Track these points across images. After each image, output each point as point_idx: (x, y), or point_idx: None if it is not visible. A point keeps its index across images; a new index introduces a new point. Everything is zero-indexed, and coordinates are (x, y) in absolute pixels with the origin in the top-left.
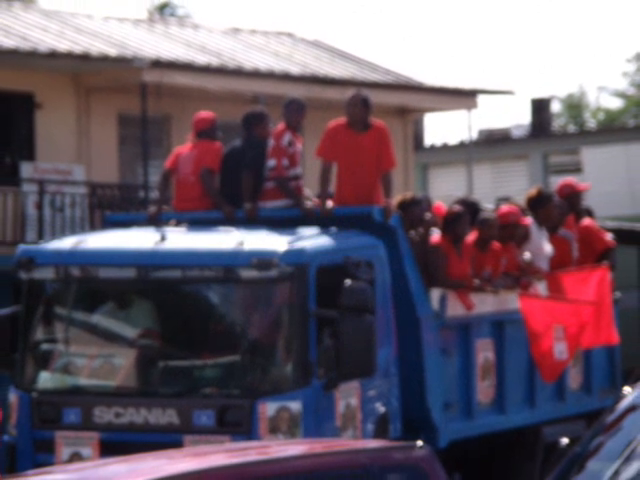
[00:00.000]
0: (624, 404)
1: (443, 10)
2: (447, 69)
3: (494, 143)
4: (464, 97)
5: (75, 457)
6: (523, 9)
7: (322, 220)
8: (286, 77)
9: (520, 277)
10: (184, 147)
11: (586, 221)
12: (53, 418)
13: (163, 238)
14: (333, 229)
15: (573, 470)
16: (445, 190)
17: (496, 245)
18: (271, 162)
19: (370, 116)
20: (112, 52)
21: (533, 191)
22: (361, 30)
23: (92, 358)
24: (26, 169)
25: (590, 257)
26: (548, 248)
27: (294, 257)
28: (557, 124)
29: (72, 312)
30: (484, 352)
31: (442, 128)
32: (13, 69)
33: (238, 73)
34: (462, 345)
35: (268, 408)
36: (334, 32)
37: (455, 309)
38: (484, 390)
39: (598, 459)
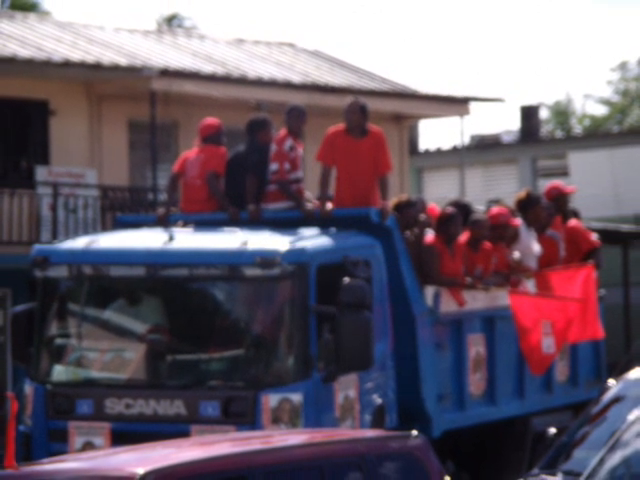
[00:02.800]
0: (609, 395)
1: (437, 22)
2: (440, 78)
3: (485, 148)
4: (457, 104)
5: (87, 446)
6: (512, 22)
7: (322, 221)
8: (288, 85)
9: (510, 275)
10: (191, 152)
11: (572, 222)
12: (66, 409)
13: (171, 238)
14: (332, 230)
15: (560, 458)
16: (439, 193)
17: (487, 245)
18: (273, 166)
19: (367, 122)
20: (123, 62)
21: (522, 193)
22: (359, 41)
23: (104, 352)
24: (41, 173)
25: (576, 256)
26: (536, 248)
27: (295, 256)
28: (545, 130)
29: (85, 308)
30: (476, 346)
31: (436, 134)
32: (29, 78)
33: (242, 81)
34: (455, 340)
35: (271, 399)
36: (334, 43)
37: (448, 306)
38: (476, 382)
39: (584, 448)
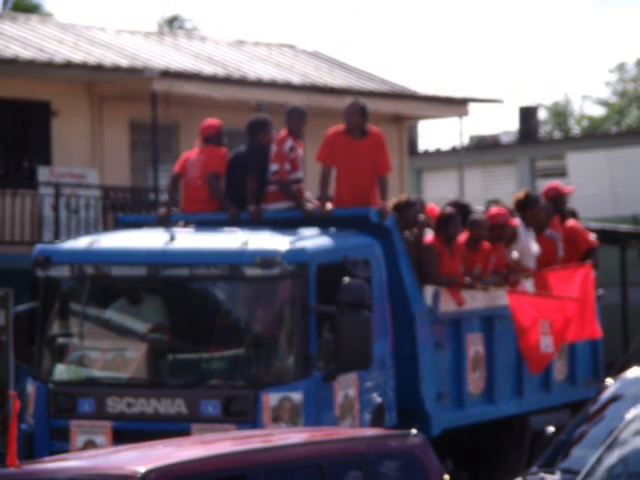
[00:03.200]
0: (607, 395)
1: (436, 23)
2: (439, 79)
3: (484, 149)
4: (456, 105)
5: (89, 445)
6: (512, 23)
7: (322, 221)
8: (288, 86)
9: (509, 275)
10: (192, 152)
11: (571, 222)
12: (68, 408)
13: (172, 238)
14: (332, 230)
15: (559, 457)
16: (438, 193)
17: (486, 245)
18: (274, 167)
19: (367, 123)
20: (124, 63)
21: (521, 194)
22: (359, 41)
23: (105, 351)
24: (43, 173)
25: (575, 256)
26: (535, 248)
27: (295, 256)
28: (543, 131)
29: (86, 308)
30: (475, 346)
31: (435, 134)
32: (30, 79)
33: (242, 82)
34: (454, 339)
35: (271, 398)
36: (333, 43)
37: (447, 305)
38: (475, 381)
39: (582, 446)
